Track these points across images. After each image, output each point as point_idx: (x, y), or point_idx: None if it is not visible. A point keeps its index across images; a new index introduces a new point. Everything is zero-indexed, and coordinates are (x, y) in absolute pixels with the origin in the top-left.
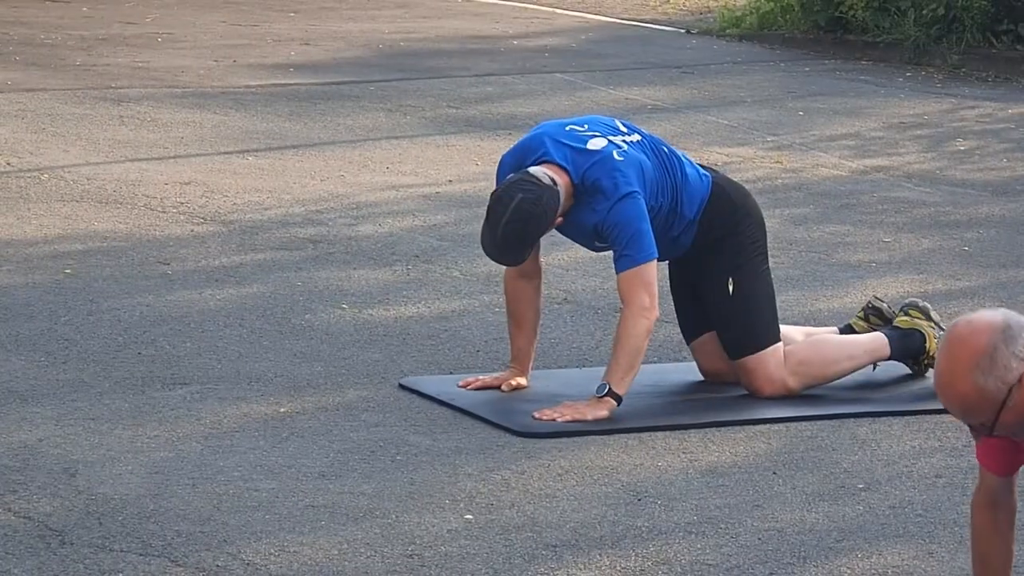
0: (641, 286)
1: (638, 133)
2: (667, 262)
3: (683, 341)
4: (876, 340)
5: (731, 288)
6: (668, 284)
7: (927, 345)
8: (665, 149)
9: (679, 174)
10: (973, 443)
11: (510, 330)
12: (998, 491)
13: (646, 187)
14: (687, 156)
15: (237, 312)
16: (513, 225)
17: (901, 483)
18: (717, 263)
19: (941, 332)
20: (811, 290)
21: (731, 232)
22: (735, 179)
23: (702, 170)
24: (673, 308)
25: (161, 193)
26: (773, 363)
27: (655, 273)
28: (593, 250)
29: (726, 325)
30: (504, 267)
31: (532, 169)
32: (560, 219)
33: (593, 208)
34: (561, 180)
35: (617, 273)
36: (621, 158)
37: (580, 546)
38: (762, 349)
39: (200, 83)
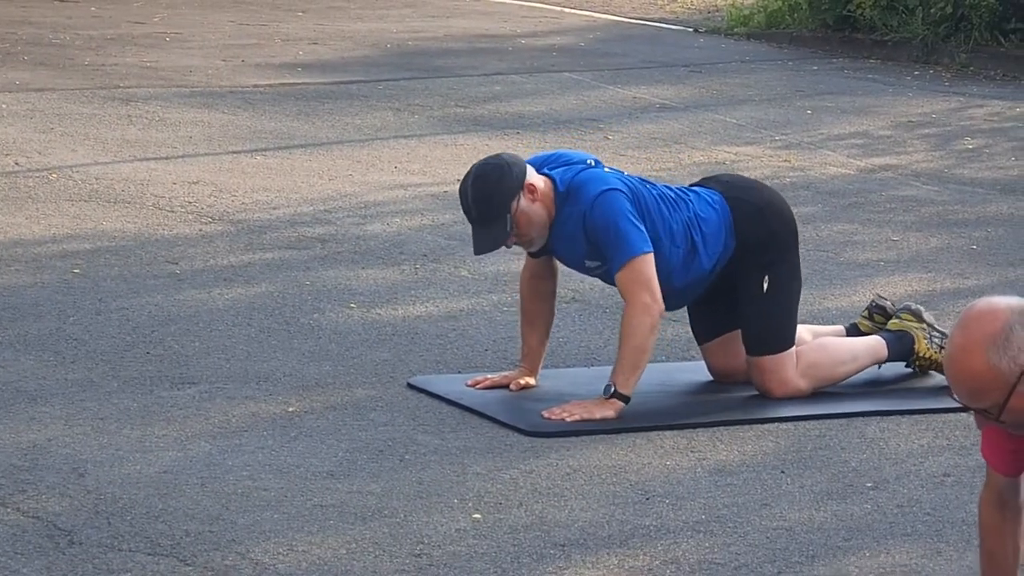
0: (639, 283)
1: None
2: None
3: (691, 340)
4: (877, 342)
5: (765, 286)
6: None
7: (915, 346)
8: (671, 193)
9: (694, 214)
10: (980, 442)
11: (522, 328)
12: (1005, 490)
13: (637, 202)
14: (692, 189)
15: (246, 311)
16: (476, 183)
17: (909, 482)
18: (755, 261)
19: (934, 333)
20: (819, 288)
21: (766, 237)
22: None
23: (711, 196)
24: (683, 309)
25: (169, 192)
26: (789, 366)
27: (652, 267)
28: (585, 272)
29: (752, 323)
30: (521, 265)
31: None
32: (537, 196)
33: (577, 209)
34: (542, 179)
35: (613, 273)
36: (609, 172)
37: (588, 545)
38: (782, 351)
39: (208, 83)
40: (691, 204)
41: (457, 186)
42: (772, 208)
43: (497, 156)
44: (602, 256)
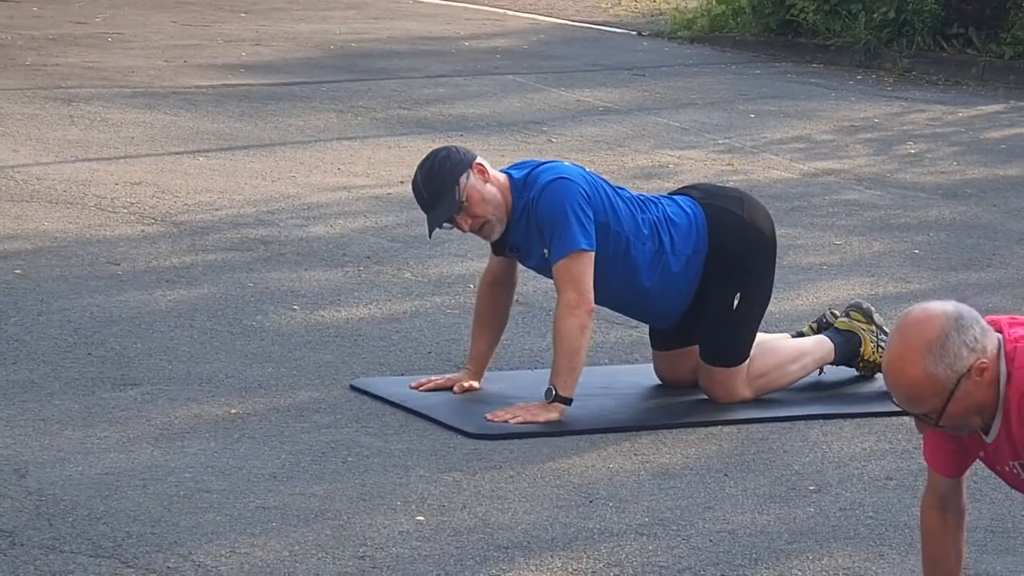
0: (568, 281)
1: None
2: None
3: (635, 342)
4: (823, 346)
5: (736, 303)
6: None
7: (861, 349)
8: (640, 198)
9: (663, 214)
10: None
11: (473, 331)
12: (947, 493)
13: (598, 195)
14: (665, 196)
15: (188, 313)
16: (424, 165)
17: (852, 485)
18: (729, 278)
19: (881, 336)
20: None
21: (743, 252)
22: (700, 184)
23: (683, 200)
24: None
25: (111, 193)
26: (740, 379)
27: (587, 265)
28: (545, 273)
29: (715, 334)
30: (478, 270)
31: None
32: (488, 177)
33: (530, 195)
34: (495, 176)
35: (551, 265)
36: (569, 164)
37: (531, 548)
38: (737, 365)
39: (150, 83)
40: (661, 206)
41: (401, 188)
42: (755, 225)
43: (446, 145)
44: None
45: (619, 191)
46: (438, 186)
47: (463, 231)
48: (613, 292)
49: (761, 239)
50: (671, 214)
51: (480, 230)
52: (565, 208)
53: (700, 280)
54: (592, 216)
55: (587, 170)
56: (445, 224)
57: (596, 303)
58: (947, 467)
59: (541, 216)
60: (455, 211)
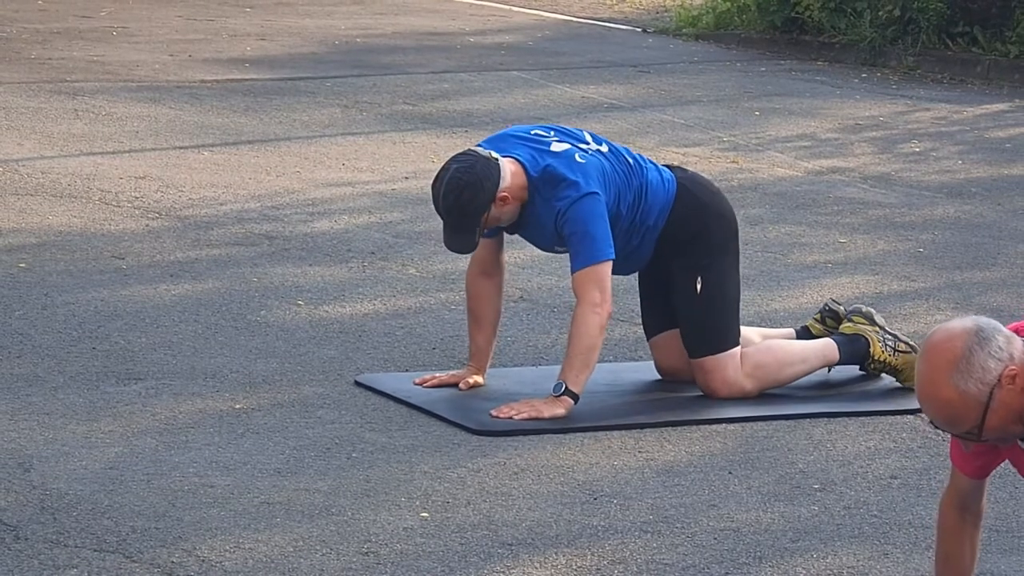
0: (593, 283)
1: (606, 144)
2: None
3: (640, 340)
4: (827, 345)
5: (698, 287)
6: (637, 280)
7: (871, 349)
8: (631, 159)
9: (644, 184)
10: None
11: (469, 327)
12: (968, 494)
13: (608, 191)
14: (654, 162)
15: (192, 307)
16: (449, 197)
17: (856, 484)
18: (687, 262)
19: (887, 336)
20: (766, 290)
21: (700, 232)
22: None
23: (667, 173)
24: (628, 307)
25: (116, 187)
26: (731, 366)
27: (609, 273)
28: (552, 252)
29: (690, 323)
30: (468, 262)
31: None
32: (509, 202)
33: (552, 203)
34: (512, 168)
35: (572, 272)
36: (583, 160)
37: (536, 545)
38: (722, 351)
39: (155, 77)
40: (647, 172)
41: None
42: (714, 208)
43: (472, 164)
44: (567, 246)
45: (615, 160)
46: (461, 221)
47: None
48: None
49: (718, 220)
50: (651, 180)
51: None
52: (594, 224)
53: (665, 270)
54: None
55: (597, 153)
56: None
57: None
58: (973, 469)
59: (567, 227)
60: (474, 248)
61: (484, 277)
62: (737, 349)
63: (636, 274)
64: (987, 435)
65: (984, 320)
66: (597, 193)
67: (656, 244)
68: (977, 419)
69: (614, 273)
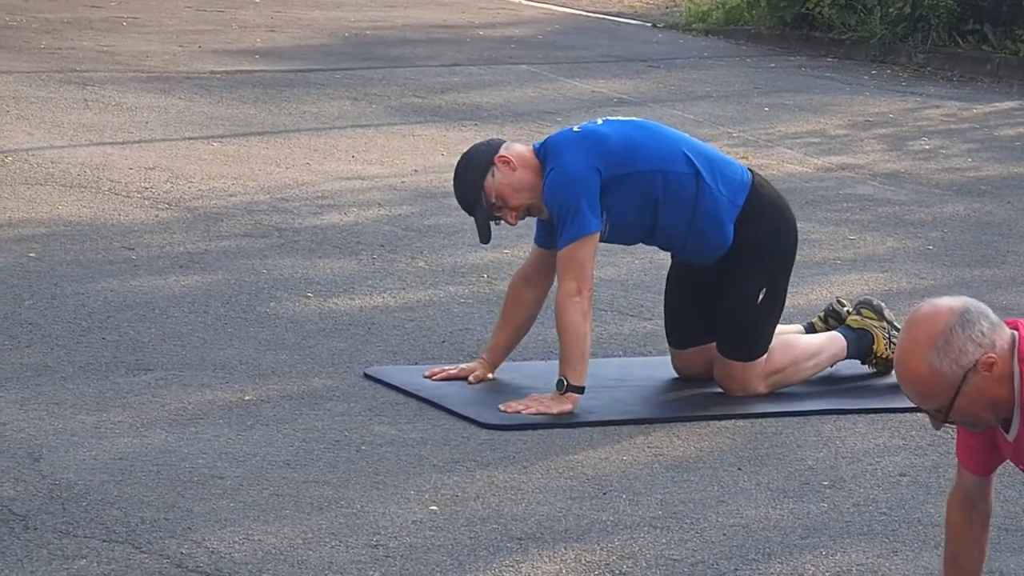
0: (570, 269)
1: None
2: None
3: (649, 335)
4: (836, 342)
5: (760, 297)
6: (665, 285)
7: (874, 346)
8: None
9: (706, 156)
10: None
11: (497, 322)
12: (974, 491)
13: (612, 155)
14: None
15: (202, 299)
16: (454, 179)
17: (865, 481)
18: (762, 267)
19: (893, 332)
20: None
21: (774, 240)
22: None
23: (738, 164)
24: (637, 302)
25: (126, 178)
26: (756, 374)
27: (590, 250)
28: (647, 244)
29: (735, 327)
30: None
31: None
32: (513, 166)
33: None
34: (519, 148)
35: (557, 248)
36: (578, 129)
37: (545, 539)
38: (754, 359)
39: (165, 68)
40: (718, 158)
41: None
42: (788, 221)
43: (471, 148)
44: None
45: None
46: (468, 196)
47: (513, 224)
48: (674, 230)
49: (791, 237)
50: (725, 168)
51: (529, 213)
52: (573, 194)
53: (727, 272)
54: (597, 192)
55: (595, 125)
56: (495, 222)
57: (658, 245)
58: (976, 465)
59: (550, 196)
60: (493, 213)
61: (527, 284)
62: (765, 356)
63: (664, 279)
64: (955, 417)
65: (973, 303)
66: (580, 160)
67: (731, 247)
68: (947, 399)
69: (684, 257)
